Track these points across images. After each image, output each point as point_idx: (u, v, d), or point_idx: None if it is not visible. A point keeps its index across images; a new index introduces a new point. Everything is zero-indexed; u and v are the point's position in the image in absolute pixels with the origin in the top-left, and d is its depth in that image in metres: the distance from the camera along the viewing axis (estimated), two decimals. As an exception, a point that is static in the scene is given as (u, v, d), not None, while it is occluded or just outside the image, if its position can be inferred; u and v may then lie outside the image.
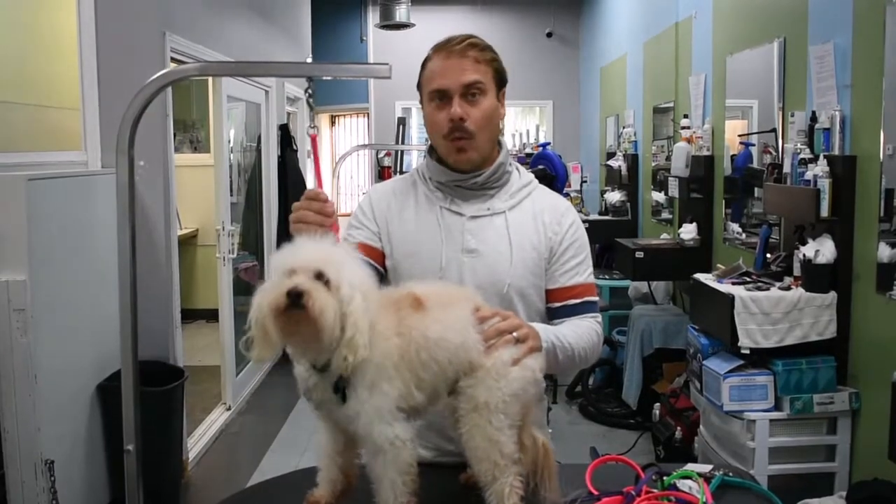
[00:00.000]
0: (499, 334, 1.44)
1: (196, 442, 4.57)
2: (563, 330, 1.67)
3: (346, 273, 1.28)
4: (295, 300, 1.21)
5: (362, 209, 1.82)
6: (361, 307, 1.27)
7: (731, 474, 1.59)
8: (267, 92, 6.26)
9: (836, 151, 3.15)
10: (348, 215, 1.84)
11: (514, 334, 1.46)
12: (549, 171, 5.34)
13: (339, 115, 10.77)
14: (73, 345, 3.42)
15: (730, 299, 3.22)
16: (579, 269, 1.78)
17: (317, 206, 1.49)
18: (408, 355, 1.33)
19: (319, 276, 1.25)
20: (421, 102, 1.77)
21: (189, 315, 5.23)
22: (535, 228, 1.76)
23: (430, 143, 1.81)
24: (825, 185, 3.09)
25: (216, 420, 5.01)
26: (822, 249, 3.14)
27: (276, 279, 1.26)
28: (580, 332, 1.70)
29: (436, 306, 1.37)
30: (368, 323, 1.28)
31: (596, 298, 1.81)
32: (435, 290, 1.44)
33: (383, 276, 1.77)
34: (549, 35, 9.64)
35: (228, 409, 5.21)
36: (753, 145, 4.10)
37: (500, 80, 1.76)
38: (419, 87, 1.77)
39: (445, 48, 1.72)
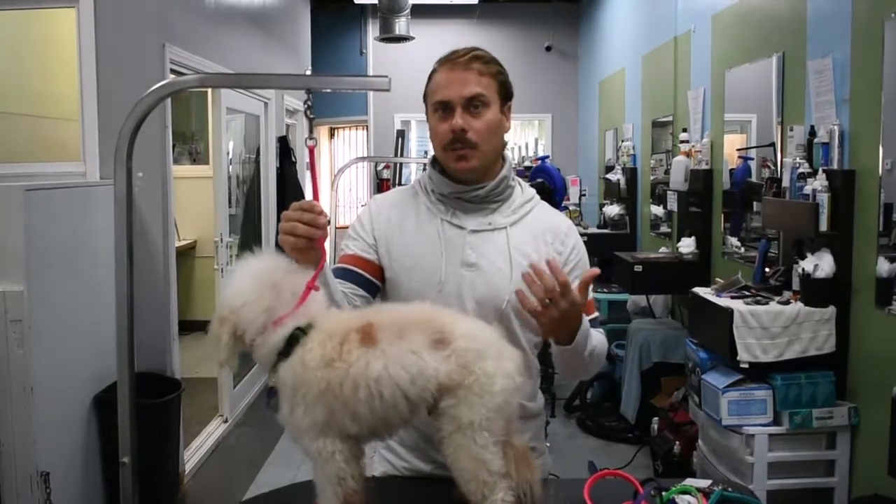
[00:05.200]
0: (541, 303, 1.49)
1: (192, 454, 4.55)
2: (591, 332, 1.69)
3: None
4: None
5: (361, 221, 1.82)
6: (216, 327, 1.39)
7: (730, 489, 1.58)
8: (266, 104, 6.27)
9: (835, 166, 3.15)
10: (346, 228, 1.83)
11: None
12: (547, 184, 5.36)
13: (338, 128, 10.79)
14: (70, 356, 3.41)
15: (728, 313, 3.21)
16: None
17: (308, 218, 1.47)
18: (337, 389, 1.32)
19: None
20: (426, 113, 1.78)
21: (186, 326, 5.21)
22: (536, 247, 1.76)
23: (433, 154, 1.81)
24: (824, 199, 3.10)
25: (213, 432, 4.99)
26: (820, 264, 3.14)
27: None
28: (595, 341, 1.72)
29: (388, 338, 1.35)
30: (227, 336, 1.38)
31: (598, 313, 1.84)
32: (394, 316, 1.41)
33: (378, 289, 1.77)
34: (548, 49, 9.69)
35: (225, 421, 5.19)
36: (752, 159, 4.10)
37: (505, 93, 1.76)
38: (425, 98, 1.77)
39: (450, 61, 1.73)
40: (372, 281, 1.75)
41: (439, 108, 1.72)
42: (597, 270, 1.57)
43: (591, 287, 1.80)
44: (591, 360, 1.69)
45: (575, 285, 1.76)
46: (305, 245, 1.47)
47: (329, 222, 1.48)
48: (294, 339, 1.37)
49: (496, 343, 1.41)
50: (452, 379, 1.34)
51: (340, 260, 1.77)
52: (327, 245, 1.52)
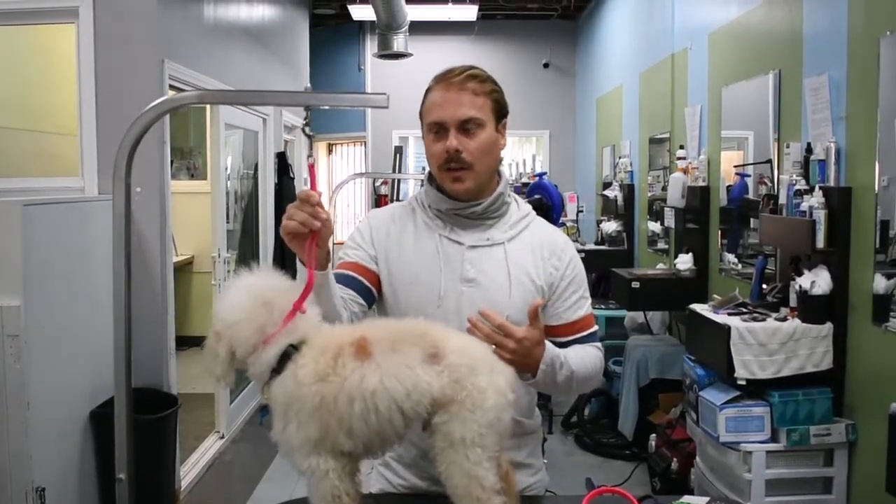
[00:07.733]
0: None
1: (189, 470, 4.53)
2: (570, 354, 1.68)
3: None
4: None
5: (361, 232, 1.82)
6: (213, 342, 1.43)
7: (727, 507, 1.58)
8: (265, 120, 6.28)
9: (832, 183, 3.16)
10: (343, 244, 1.83)
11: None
12: (545, 200, 5.37)
13: (336, 144, 10.81)
14: (67, 371, 3.40)
15: (726, 330, 3.21)
16: (581, 302, 1.80)
17: (308, 210, 1.46)
18: (332, 404, 1.32)
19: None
20: (422, 131, 1.78)
21: (184, 342, 5.20)
22: (534, 262, 1.76)
23: (429, 170, 1.81)
24: (821, 216, 3.10)
25: (209, 448, 4.97)
26: (817, 280, 3.14)
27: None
28: (585, 358, 1.72)
29: (382, 352, 1.35)
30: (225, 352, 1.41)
31: (597, 328, 1.83)
32: (387, 330, 1.42)
33: (374, 300, 1.77)
34: (546, 66, 9.74)
35: (222, 437, 5.17)
36: (749, 176, 4.11)
37: (500, 111, 1.77)
38: (421, 116, 1.77)
39: (445, 79, 1.73)
40: (371, 290, 1.75)
41: (434, 129, 1.72)
42: (540, 301, 1.60)
43: (589, 302, 1.81)
44: (574, 382, 1.69)
45: (571, 301, 1.77)
46: (300, 230, 1.45)
47: (328, 218, 1.47)
48: (286, 356, 1.38)
49: (488, 358, 1.41)
50: (445, 394, 1.34)
51: (340, 266, 1.76)
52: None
